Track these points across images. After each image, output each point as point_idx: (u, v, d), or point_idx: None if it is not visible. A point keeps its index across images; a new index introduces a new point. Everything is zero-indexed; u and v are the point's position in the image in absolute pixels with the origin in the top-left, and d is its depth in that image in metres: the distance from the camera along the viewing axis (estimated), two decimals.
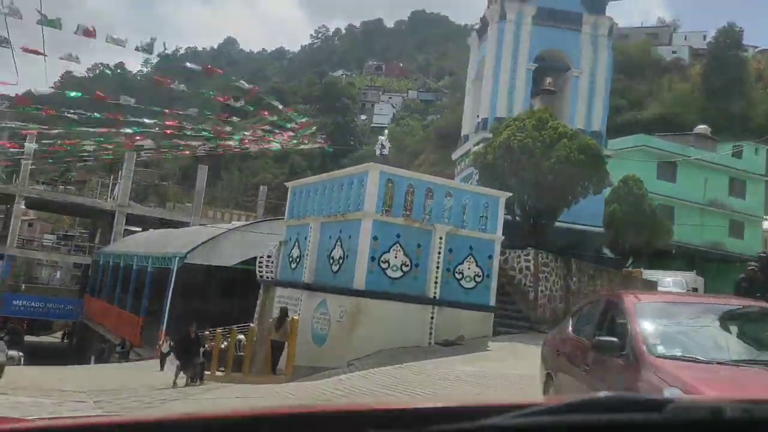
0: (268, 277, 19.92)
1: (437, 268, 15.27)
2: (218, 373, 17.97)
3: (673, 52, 71.86)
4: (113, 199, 55.36)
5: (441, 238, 15.26)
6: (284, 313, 15.79)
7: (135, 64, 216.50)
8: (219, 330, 23.80)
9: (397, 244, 15.05)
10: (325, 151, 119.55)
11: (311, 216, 17.44)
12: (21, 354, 40.53)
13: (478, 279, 15.81)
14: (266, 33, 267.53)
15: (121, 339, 36.58)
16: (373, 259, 14.84)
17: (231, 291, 47.10)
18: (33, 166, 50.03)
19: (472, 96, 25.76)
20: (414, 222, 15.26)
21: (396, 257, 15.03)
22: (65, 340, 61.20)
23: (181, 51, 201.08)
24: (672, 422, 0.94)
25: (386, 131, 21.92)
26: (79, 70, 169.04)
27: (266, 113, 36.89)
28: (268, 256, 19.94)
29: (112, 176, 59.40)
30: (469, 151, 23.58)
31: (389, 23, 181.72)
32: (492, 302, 16.07)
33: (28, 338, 63.05)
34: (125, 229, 53.60)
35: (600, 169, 17.97)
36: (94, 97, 34.96)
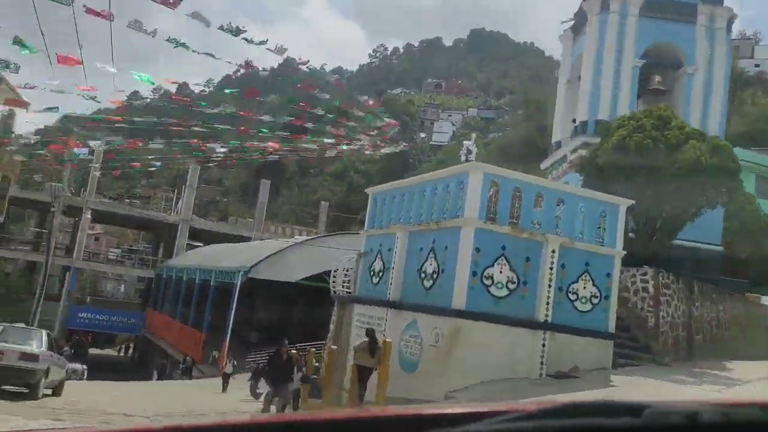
0: (344, 293, 17.96)
1: (549, 286, 12.95)
2: (311, 401, 15.87)
3: (756, 66, 67.55)
4: (177, 212, 54.86)
5: (554, 252, 12.95)
6: (372, 335, 13.69)
7: (198, 85, 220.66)
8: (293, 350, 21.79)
9: (503, 257, 12.82)
10: (383, 169, 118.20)
11: (397, 225, 15.37)
12: (84, 367, 39.85)
13: (594, 300, 13.42)
14: (325, 53, 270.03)
15: (183, 355, 35.20)
16: (474, 274, 12.65)
17: (295, 307, 45.55)
18: (100, 173, 49.73)
19: (564, 99, 23.40)
20: (522, 232, 13.01)
21: (501, 272, 12.80)
22: (122, 353, 60.92)
23: (242, 71, 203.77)
24: (651, 426, 0.93)
25: (473, 135, 19.77)
26: (145, 90, 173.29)
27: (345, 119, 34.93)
28: (345, 271, 17.98)
29: (175, 191, 59.07)
30: (565, 158, 21.25)
31: (448, 42, 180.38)
32: (611, 328, 13.62)
33: (91, 351, 63.11)
34: (187, 244, 52.92)
35: (734, 176, 15.35)
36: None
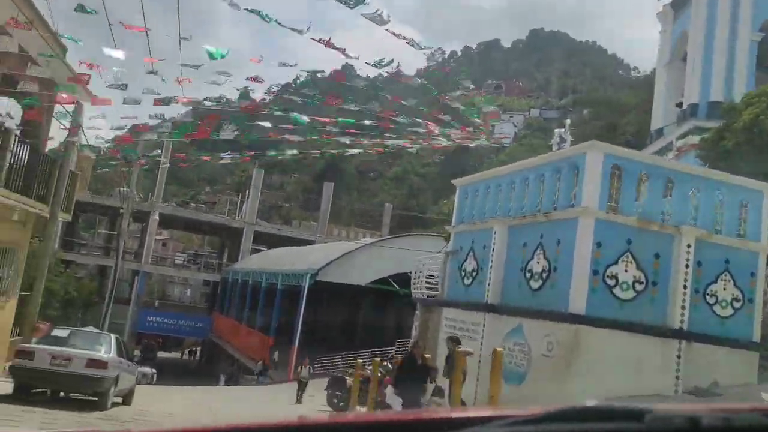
0: (429, 296, 16.29)
1: (684, 287, 10.94)
2: None
3: None
4: (241, 217, 54.41)
5: (689, 246, 10.93)
6: (454, 343, 11.87)
7: (259, 92, 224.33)
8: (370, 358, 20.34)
9: (628, 253, 10.89)
10: (442, 173, 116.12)
11: (494, 218, 13.59)
12: (154, 371, 39.48)
13: (736, 304, 11.32)
14: (383, 57, 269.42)
15: (256, 360, 34.01)
16: (595, 273, 10.75)
17: (364, 311, 44.25)
18: (167, 166, 49.64)
19: (665, 83, 21.15)
20: (651, 224, 11.05)
21: (626, 271, 10.86)
22: (185, 357, 60.85)
23: (302, 78, 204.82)
24: (653, 431, 0.94)
25: (567, 122, 17.70)
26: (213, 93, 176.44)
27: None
28: (430, 272, 16.32)
29: (239, 195, 58.74)
30: (670, 146, 19.03)
31: (506, 43, 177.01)
32: (756, 336, 11.49)
33: (160, 354, 63.44)
34: (251, 248, 52.39)
35: None
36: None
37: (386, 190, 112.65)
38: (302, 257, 38.36)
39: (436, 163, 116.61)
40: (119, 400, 14.23)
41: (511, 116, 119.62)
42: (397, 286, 33.09)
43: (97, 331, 14.13)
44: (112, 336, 13.42)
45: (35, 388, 12.18)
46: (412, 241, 33.08)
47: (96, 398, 12.27)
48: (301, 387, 21.38)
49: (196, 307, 65.80)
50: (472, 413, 1.09)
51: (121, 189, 32.26)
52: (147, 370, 36.02)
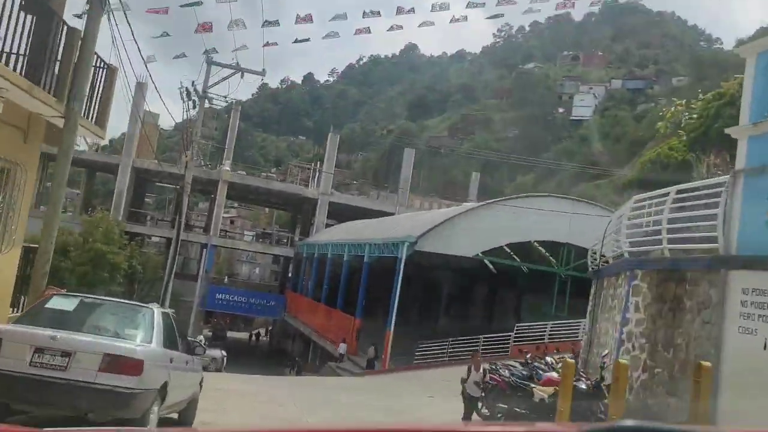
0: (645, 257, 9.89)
1: None
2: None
3: None
4: (315, 187, 48.95)
5: None
6: None
7: (322, 74, 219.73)
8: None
9: None
10: (516, 147, 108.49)
11: None
12: (224, 354, 34.54)
13: None
14: (447, 36, 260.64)
15: (369, 345, 28.15)
16: None
17: (472, 290, 38.21)
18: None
19: None
20: None
21: None
22: (255, 340, 55.95)
23: (364, 59, 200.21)
24: None
25: None
26: (273, 82, 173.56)
27: None
28: (631, 224, 9.91)
29: (312, 165, 53.26)
30: None
31: (577, 17, 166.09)
32: None
33: (230, 334, 59.06)
34: (326, 223, 46.95)
35: None
36: None
37: (459, 167, 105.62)
38: (391, 228, 32.39)
39: (510, 138, 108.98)
40: (174, 415, 8.61)
41: (590, 88, 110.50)
42: (516, 258, 26.80)
43: (133, 303, 8.22)
44: (156, 309, 7.50)
45: (8, 405, 6.37)
46: (529, 202, 26.63)
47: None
48: (471, 402, 13.58)
49: (267, 285, 61.08)
50: (511, 430, 1.04)
51: (185, 154, 26.93)
52: (217, 353, 30.91)
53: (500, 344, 24.87)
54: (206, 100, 21.71)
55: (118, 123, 78.58)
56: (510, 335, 24.84)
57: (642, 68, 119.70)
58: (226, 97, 21.56)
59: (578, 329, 24.89)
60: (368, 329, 30.24)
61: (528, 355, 15.53)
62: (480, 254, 26.49)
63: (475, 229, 26.06)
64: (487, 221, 26.18)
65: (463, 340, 24.98)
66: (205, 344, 31.35)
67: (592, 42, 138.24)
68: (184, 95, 20.81)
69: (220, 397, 13.09)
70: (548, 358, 13.94)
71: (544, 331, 24.99)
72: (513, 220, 26.05)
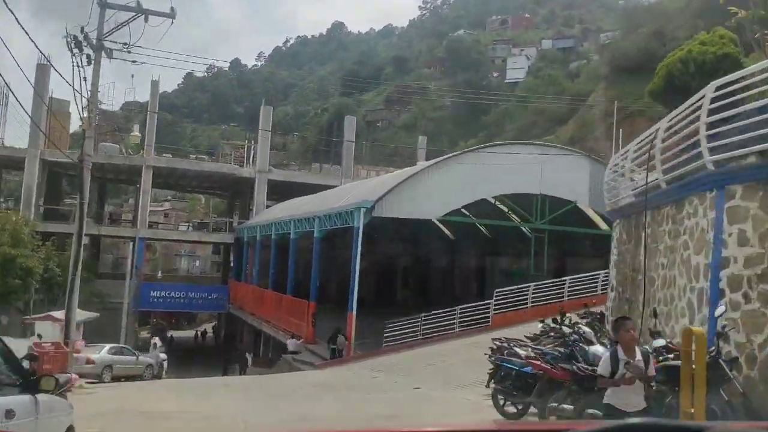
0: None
1: None
2: None
3: None
4: (251, 165, 44.47)
5: None
6: None
7: (249, 59, 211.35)
8: None
9: None
10: (455, 116, 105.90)
11: None
12: (163, 358, 30.10)
13: None
14: (373, 12, 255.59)
15: (333, 332, 24.27)
16: None
17: (439, 256, 34.57)
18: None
19: None
20: None
21: None
22: (201, 338, 51.11)
23: (291, 41, 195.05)
24: None
25: None
26: (198, 70, 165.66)
27: None
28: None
29: (246, 144, 48.59)
30: None
31: None
32: None
33: (174, 334, 54.07)
34: (266, 203, 42.65)
35: None
36: None
37: (398, 140, 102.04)
38: (340, 198, 28.58)
39: (448, 105, 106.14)
40: None
41: (522, 50, 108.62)
42: (488, 216, 23.54)
43: None
44: None
45: None
46: (496, 155, 23.27)
47: None
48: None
49: (209, 278, 56.32)
50: (528, 429, 1.00)
51: (82, 119, 22.08)
52: (149, 359, 26.58)
53: (480, 315, 21.52)
54: (103, 52, 17.17)
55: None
56: (489, 304, 21.51)
57: (569, 28, 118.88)
58: (127, 45, 17.02)
59: (564, 288, 21.84)
60: (326, 313, 26.49)
61: (540, 323, 12.16)
62: (447, 215, 23.02)
63: (440, 187, 22.53)
64: (452, 178, 22.69)
65: (437, 315, 21.53)
66: (161, 347, 26.87)
67: (517, 7, 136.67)
68: (73, 46, 16.26)
69: (138, 429, 9.14)
70: (582, 326, 10.52)
71: (526, 294, 21.79)
72: (480, 175, 22.68)
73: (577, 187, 23.63)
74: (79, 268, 16.17)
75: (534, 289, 21.77)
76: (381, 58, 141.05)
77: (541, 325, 12.18)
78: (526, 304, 21.67)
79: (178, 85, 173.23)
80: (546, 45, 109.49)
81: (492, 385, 8.88)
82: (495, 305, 21.33)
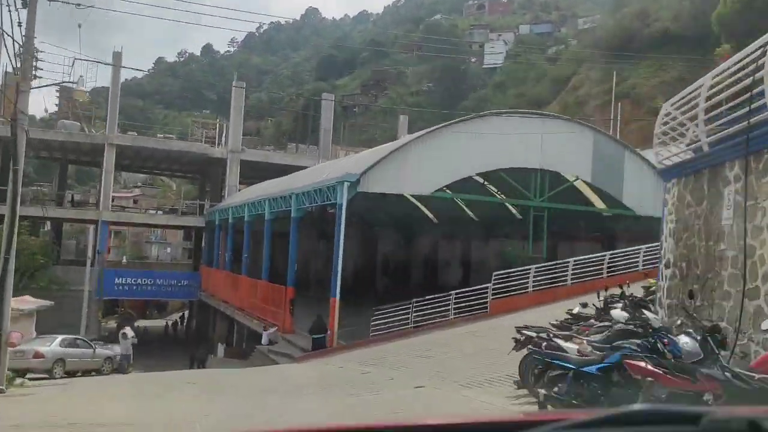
0: None
1: None
2: None
3: None
4: (224, 145, 41.64)
5: None
6: None
7: (221, 44, 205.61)
8: None
9: None
10: (433, 102, 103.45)
11: None
12: (125, 353, 27.20)
13: None
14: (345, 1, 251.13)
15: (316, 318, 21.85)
16: None
17: (427, 239, 32.08)
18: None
19: None
20: None
21: None
22: (173, 329, 48.18)
23: (264, 27, 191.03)
24: None
25: None
26: (169, 55, 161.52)
27: None
28: None
29: (218, 120, 45.64)
30: None
31: None
32: None
33: (142, 324, 51.01)
34: (238, 186, 39.94)
35: None
36: None
37: (375, 124, 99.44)
38: (319, 175, 26.06)
39: (425, 90, 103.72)
40: None
41: (499, 35, 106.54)
42: (493, 191, 21.32)
43: None
44: None
45: None
46: (491, 125, 20.99)
47: None
48: None
49: (180, 264, 53.37)
50: (524, 417, 1.00)
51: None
52: (108, 352, 23.84)
53: (476, 302, 19.27)
54: None
55: None
56: (486, 289, 19.26)
57: (546, 14, 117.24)
58: None
59: (568, 271, 19.69)
60: (305, 301, 24.07)
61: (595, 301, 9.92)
62: (438, 191, 20.66)
63: (431, 160, 20.16)
64: (444, 151, 20.32)
65: (430, 301, 19.25)
66: (132, 338, 23.90)
67: None
68: None
69: None
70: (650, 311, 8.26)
71: (527, 278, 19.61)
72: (475, 147, 20.39)
73: (579, 162, 21.52)
74: (14, 246, 13.46)
75: (535, 273, 19.61)
76: (357, 42, 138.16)
77: (592, 304, 9.85)
78: (527, 288, 19.49)
79: (148, 70, 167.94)
80: (524, 30, 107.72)
81: (541, 391, 6.56)
82: (493, 290, 19.09)
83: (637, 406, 0.97)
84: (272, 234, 26.80)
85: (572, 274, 19.60)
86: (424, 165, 20.15)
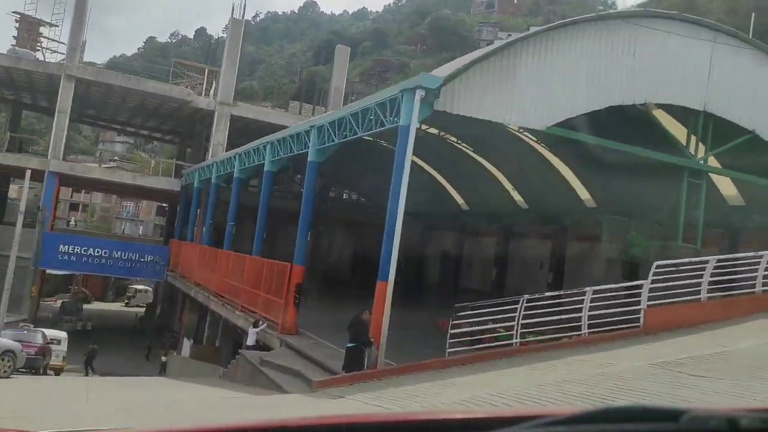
0: None
1: None
2: None
3: None
4: (210, 95, 33.26)
5: None
6: None
7: (215, 29, 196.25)
8: None
9: None
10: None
11: None
12: (54, 347, 18.17)
13: None
14: None
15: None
16: None
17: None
18: None
19: None
20: None
21: None
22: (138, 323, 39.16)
23: (261, 16, 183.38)
24: None
25: None
26: (162, 35, 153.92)
27: None
28: None
29: (206, 72, 37.11)
30: None
31: None
32: None
33: (98, 307, 42.29)
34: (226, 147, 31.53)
35: None
36: None
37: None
38: None
39: None
40: None
41: (509, 35, 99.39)
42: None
43: None
44: None
45: None
46: (637, 34, 13.04)
47: None
48: None
49: (148, 240, 44.64)
50: (503, 413, 0.99)
51: None
52: (12, 344, 15.25)
53: (619, 310, 11.24)
54: None
55: None
56: (640, 290, 11.22)
57: (561, 17, 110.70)
58: None
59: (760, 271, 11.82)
60: (317, 286, 15.86)
61: None
62: (556, 126, 12.57)
63: (542, 78, 12.18)
64: (566, 66, 12.38)
65: (532, 304, 11.23)
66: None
67: None
68: None
69: None
70: None
71: (700, 276, 11.64)
72: (611, 66, 12.51)
73: (757, 108, 13.73)
74: None
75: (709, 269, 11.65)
76: (358, 32, 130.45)
77: None
78: (699, 294, 11.53)
79: (138, 48, 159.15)
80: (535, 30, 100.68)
81: None
82: (651, 293, 11.09)
83: (618, 404, 0.92)
84: (270, 192, 18.62)
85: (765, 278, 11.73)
86: (536, 85, 12.14)
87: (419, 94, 11.05)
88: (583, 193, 22.39)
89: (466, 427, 1.02)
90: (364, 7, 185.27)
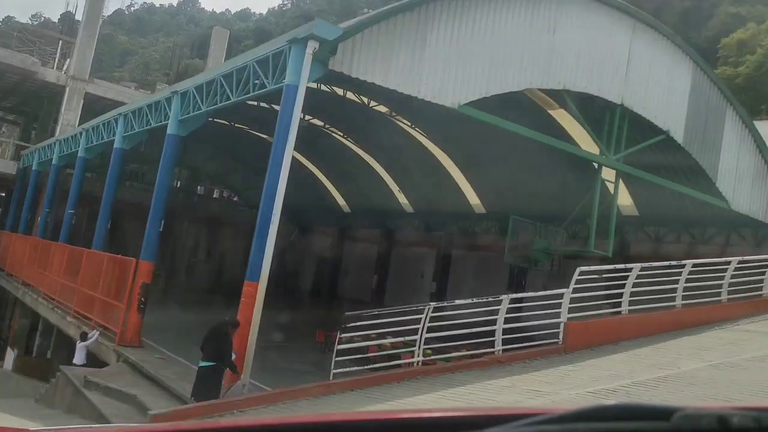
0: None
1: None
2: None
3: None
4: (62, 69, 28.62)
5: None
6: None
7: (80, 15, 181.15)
8: None
9: None
10: None
11: None
12: None
13: None
14: None
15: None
16: None
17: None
18: None
19: None
20: None
21: None
22: None
23: (136, 6, 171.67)
24: (680, 430, 0.86)
25: None
26: (22, 16, 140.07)
27: None
28: None
29: (60, 41, 32.13)
30: None
31: None
32: None
33: None
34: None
35: None
36: None
37: None
38: None
39: None
40: None
41: None
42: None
43: None
44: None
45: None
46: (563, 12, 11.58)
47: None
48: None
49: None
50: (494, 411, 0.99)
51: None
52: None
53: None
54: None
55: None
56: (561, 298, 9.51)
57: None
58: None
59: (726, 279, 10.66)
60: (180, 290, 12.85)
61: None
62: (466, 105, 10.65)
63: (456, 49, 10.29)
64: (485, 37, 10.58)
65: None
66: None
67: (386, 1, 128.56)
68: None
69: None
70: None
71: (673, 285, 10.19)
72: (534, 44, 10.95)
73: (670, 107, 12.82)
74: None
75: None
76: (240, 30, 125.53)
77: None
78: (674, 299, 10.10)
79: None
80: None
81: None
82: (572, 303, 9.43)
83: (610, 402, 0.90)
84: (118, 173, 15.31)
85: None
86: (456, 53, 10.22)
87: (311, 46, 8.68)
88: (473, 198, 21.09)
89: (455, 425, 0.98)
90: (247, 8, 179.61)
